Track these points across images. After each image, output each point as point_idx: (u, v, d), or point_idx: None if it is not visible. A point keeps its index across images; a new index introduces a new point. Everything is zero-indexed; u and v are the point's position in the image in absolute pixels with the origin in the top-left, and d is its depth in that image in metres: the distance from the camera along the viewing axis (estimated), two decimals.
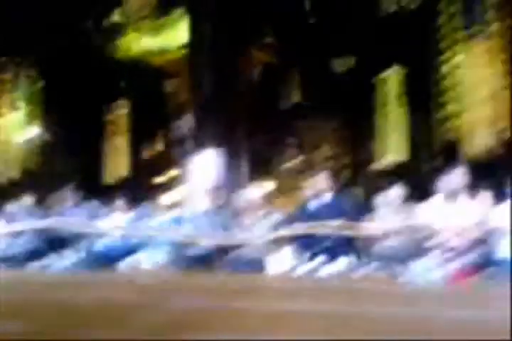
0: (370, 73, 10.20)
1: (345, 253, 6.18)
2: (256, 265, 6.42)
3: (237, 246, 6.73)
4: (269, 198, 7.23)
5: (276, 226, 6.66)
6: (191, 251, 6.88)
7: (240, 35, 10.81)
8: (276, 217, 6.84)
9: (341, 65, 10.74)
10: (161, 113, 12.26)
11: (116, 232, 7.21)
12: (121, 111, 12.18)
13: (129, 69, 12.60)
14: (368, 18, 10.10)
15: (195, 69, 11.06)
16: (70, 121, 11.50)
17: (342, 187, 7.40)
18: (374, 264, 5.88)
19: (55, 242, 7.05)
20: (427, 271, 4.85)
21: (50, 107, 11.65)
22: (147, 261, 6.79)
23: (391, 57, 9.87)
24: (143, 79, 12.43)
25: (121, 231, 7.19)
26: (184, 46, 11.59)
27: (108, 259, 6.95)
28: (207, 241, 6.85)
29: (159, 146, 12.38)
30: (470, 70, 9.12)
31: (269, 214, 6.89)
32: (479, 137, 8.50)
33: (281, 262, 6.19)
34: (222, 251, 6.79)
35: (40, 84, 11.79)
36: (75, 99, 11.20)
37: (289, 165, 10.71)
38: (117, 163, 11.83)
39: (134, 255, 6.88)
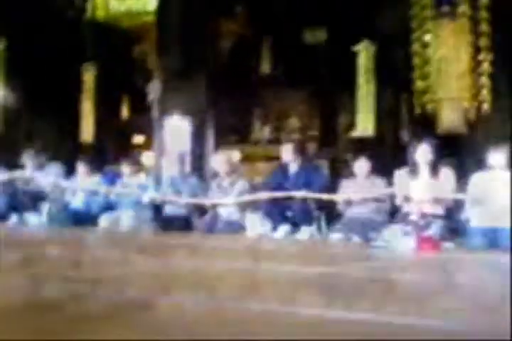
0: (341, 47, 10.23)
1: (309, 222, 6.29)
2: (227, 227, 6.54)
3: (204, 211, 6.82)
4: (234, 167, 7.26)
5: (241, 195, 6.74)
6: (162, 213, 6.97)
7: (210, 3, 10.72)
8: (242, 185, 6.91)
9: (313, 36, 10.74)
10: (129, 78, 12.15)
11: (85, 192, 7.25)
12: (88, 75, 12.01)
13: (97, 32, 12.41)
14: None
15: (163, 35, 10.94)
16: (34, 85, 11.30)
17: (307, 158, 7.46)
18: (341, 232, 6.01)
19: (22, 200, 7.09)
20: (397, 238, 4.98)
21: (14, 69, 11.39)
22: (123, 220, 6.85)
23: (362, 31, 9.90)
24: (111, 43, 12.25)
25: (92, 192, 7.23)
26: (153, 11, 11.45)
27: (82, 217, 6.99)
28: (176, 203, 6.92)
29: (125, 111, 12.29)
30: (438, 49, 9.22)
31: (234, 183, 6.95)
32: (445, 115, 8.64)
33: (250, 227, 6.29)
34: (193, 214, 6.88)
35: (3, 45, 11.50)
36: (41, 61, 10.98)
37: (255, 134, 10.76)
38: (83, 128, 11.70)
39: (110, 214, 6.94)
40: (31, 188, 7.19)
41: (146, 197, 6.96)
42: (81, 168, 7.45)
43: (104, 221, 6.88)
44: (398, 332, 1.69)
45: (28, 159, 7.40)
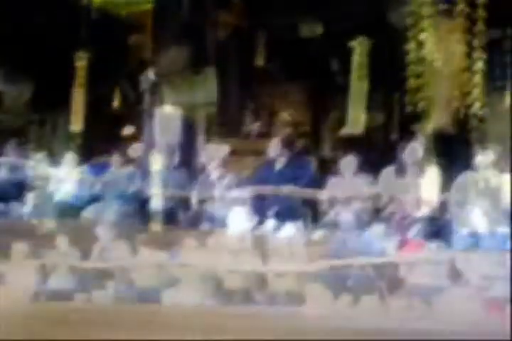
0: (335, 43, 10.16)
1: (294, 219, 6.27)
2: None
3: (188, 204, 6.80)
4: (223, 161, 7.22)
5: (228, 189, 6.72)
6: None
7: None
8: (230, 179, 6.90)
9: (308, 31, 10.66)
10: (122, 67, 12.04)
11: (71, 183, 7.21)
12: (80, 63, 11.88)
13: (93, 19, 12.25)
14: None
15: (160, 25, 10.90)
16: (24, 71, 11.19)
17: (295, 154, 7.43)
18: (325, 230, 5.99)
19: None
20: (380, 238, 4.99)
21: (1, 55, 11.21)
22: (107, 212, 6.80)
23: (358, 28, 9.83)
24: (106, 30, 12.11)
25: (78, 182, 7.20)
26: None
27: (67, 208, 6.95)
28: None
29: (117, 101, 12.18)
30: (433, 48, 9.17)
31: (222, 177, 6.94)
32: (436, 113, 8.59)
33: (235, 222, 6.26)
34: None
35: None
36: (32, 47, 10.85)
37: (245, 129, 10.69)
38: (73, 117, 11.59)
39: (95, 206, 6.90)
40: (16, 177, 7.13)
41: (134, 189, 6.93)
42: (68, 157, 7.41)
43: (88, 213, 6.84)
44: None
45: (10, 150, 7.34)
